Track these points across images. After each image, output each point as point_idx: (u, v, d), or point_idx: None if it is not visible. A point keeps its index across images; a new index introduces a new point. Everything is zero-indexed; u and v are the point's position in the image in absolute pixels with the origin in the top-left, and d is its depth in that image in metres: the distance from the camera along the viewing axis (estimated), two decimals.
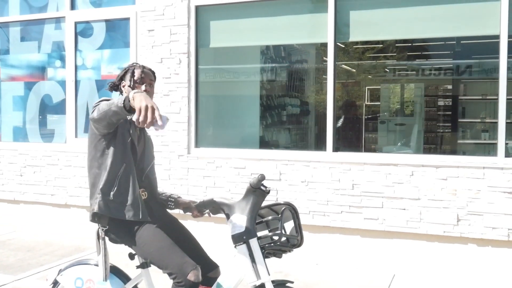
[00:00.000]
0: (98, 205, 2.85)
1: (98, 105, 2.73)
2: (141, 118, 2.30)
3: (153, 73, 3.09)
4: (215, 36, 6.09)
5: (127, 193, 2.86)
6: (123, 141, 2.87)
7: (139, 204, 2.87)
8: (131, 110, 2.48)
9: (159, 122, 2.32)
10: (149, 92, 2.99)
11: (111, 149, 2.85)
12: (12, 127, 7.31)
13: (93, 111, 2.73)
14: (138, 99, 2.35)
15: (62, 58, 6.92)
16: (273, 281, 2.70)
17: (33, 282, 4.89)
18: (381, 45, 6.53)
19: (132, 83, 2.97)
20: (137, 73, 2.98)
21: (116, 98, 2.58)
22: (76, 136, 6.80)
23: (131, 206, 2.84)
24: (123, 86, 3.02)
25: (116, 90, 3.08)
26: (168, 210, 3.15)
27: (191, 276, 2.65)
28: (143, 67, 3.03)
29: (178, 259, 2.69)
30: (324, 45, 5.64)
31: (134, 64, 3.06)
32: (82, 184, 6.62)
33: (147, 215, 2.87)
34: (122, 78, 3.05)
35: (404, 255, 5.23)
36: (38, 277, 5.01)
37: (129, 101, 2.46)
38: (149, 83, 3.00)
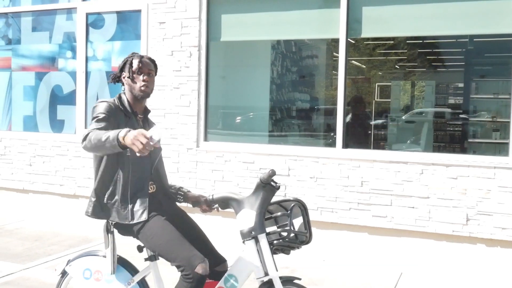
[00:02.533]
0: (92, 209, 2.89)
1: (89, 133, 2.65)
2: (139, 154, 2.42)
3: (153, 62, 3.06)
4: (226, 29, 6.07)
5: (118, 196, 2.86)
6: None
7: (129, 207, 2.84)
8: (126, 147, 2.53)
9: (153, 142, 2.44)
10: (149, 82, 2.96)
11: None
12: (22, 117, 7.34)
13: (84, 139, 2.65)
14: (128, 140, 2.44)
15: (73, 49, 6.93)
16: (280, 277, 2.70)
17: (40, 271, 4.92)
18: (392, 42, 6.48)
19: (130, 74, 2.96)
20: (135, 63, 2.96)
21: (108, 134, 2.53)
22: (85, 127, 6.82)
23: (121, 209, 2.85)
24: (123, 78, 3.01)
25: (118, 82, 3.06)
26: (177, 203, 3.14)
27: (199, 269, 2.65)
28: (141, 57, 3.00)
29: (187, 252, 2.69)
30: (336, 40, 5.61)
31: (133, 54, 3.04)
32: (90, 175, 6.65)
33: (141, 216, 2.82)
34: (122, 69, 3.04)
35: (412, 253, 5.21)
36: (46, 267, 5.03)
37: (119, 140, 2.50)
38: (147, 73, 2.97)
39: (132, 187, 2.87)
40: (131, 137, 2.42)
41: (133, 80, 2.96)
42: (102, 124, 2.75)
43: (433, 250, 5.13)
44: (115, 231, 2.95)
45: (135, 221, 2.82)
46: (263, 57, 6.40)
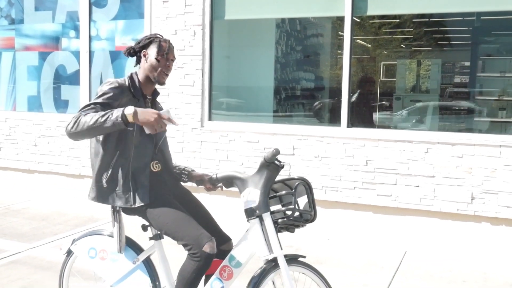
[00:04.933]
0: (94, 193, 2.88)
1: (79, 117, 2.64)
2: (150, 131, 2.62)
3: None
4: (230, 8, 6.01)
5: (118, 180, 2.83)
6: None
7: (131, 190, 2.82)
8: (130, 124, 2.66)
9: (174, 123, 2.66)
10: (169, 69, 2.95)
11: (105, 136, 2.82)
12: (26, 97, 7.34)
13: (73, 123, 2.64)
14: (143, 118, 2.59)
15: (76, 29, 6.90)
16: (285, 256, 2.70)
17: (47, 250, 4.96)
18: (398, 20, 6.41)
19: (157, 56, 2.90)
20: (165, 46, 2.92)
21: (107, 113, 2.60)
22: None
23: (122, 193, 2.83)
24: (144, 55, 2.93)
25: (133, 56, 2.98)
26: (182, 183, 3.14)
27: (206, 248, 2.65)
28: (170, 42, 2.97)
29: (194, 230, 2.70)
30: (341, 19, 5.55)
31: (160, 36, 2.98)
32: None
33: (143, 199, 2.81)
34: (144, 46, 2.95)
35: (416, 232, 5.21)
36: (53, 246, 5.08)
37: (125, 117, 2.59)
38: (172, 59, 2.96)
39: (134, 171, 2.85)
40: (147, 117, 2.56)
41: (158, 61, 2.90)
42: (99, 108, 2.72)
43: (437, 229, 5.14)
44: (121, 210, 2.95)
45: (137, 205, 2.81)
46: (268, 36, 6.35)
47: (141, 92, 2.94)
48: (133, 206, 2.82)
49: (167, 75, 2.94)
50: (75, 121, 2.64)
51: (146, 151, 2.89)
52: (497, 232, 4.93)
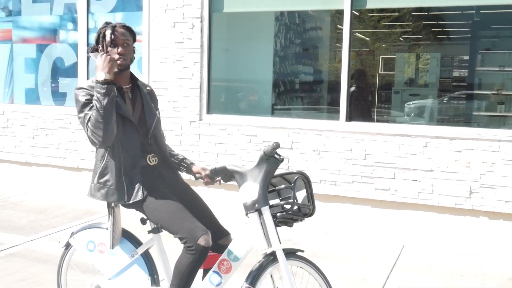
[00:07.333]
0: (89, 189, 2.94)
1: (87, 130, 2.74)
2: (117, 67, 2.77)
3: (129, 30, 2.88)
4: (229, 1, 5.98)
5: (111, 176, 2.83)
6: None
7: (125, 186, 2.82)
8: (109, 81, 2.72)
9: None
10: (125, 53, 2.83)
11: None
12: (24, 90, 7.30)
13: (90, 138, 2.74)
14: (104, 67, 2.73)
15: (74, 21, 6.86)
16: (283, 250, 2.70)
17: (45, 243, 4.95)
18: (397, 14, 6.39)
19: (104, 48, 2.83)
20: (108, 35, 2.80)
21: (94, 100, 2.71)
22: None
23: (116, 189, 2.82)
24: (100, 51, 2.86)
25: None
26: (181, 176, 3.12)
27: (201, 241, 2.64)
28: (114, 27, 2.82)
29: (189, 224, 2.69)
30: (340, 12, 5.52)
31: (106, 24, 2.87)
32: (93, 148, 6.64)
33: (136, 196, 2.80)
34: (97, 42, 2.88)
35: (414, 226, 5.22)
36: (50, 239, 5.07)
37: (99, 81, 2.71)
38: (122, 44, 2.82)
39: (125, 166, 2.83)
40: (103, 64, 2.72)
41: (107, 52, 2.82)
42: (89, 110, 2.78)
43: (436, 223, 5.14)
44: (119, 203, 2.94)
45: (131, 201, 2.80)
46: (267, 29, 6.33)
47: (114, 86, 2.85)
48: (127, 203, 2.82)
49: (125, 59, 2.83)
50: (91, 131, 2.72)
51: (133, 144, 2.85)
52: (495, 226, 4.93)
